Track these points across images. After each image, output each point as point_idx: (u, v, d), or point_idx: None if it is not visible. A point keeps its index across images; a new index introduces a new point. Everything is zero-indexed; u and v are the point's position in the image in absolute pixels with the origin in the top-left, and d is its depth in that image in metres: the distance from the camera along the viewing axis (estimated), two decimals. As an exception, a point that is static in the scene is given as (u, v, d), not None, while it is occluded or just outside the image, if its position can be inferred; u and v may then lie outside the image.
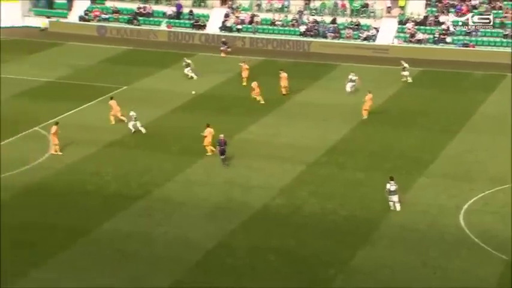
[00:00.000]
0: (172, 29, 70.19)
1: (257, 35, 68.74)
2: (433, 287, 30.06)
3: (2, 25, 70.17)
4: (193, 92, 53.07)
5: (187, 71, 56.56)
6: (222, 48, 64.69)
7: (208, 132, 42.35)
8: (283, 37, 67.97)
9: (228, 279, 30.55)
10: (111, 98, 48.29)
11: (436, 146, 43.66)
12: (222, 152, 41.13)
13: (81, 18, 72.64)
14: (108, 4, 73.60)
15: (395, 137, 45.44)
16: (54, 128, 42.61)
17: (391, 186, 35.94)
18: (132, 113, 45.71)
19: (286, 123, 47.94)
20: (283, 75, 53.18)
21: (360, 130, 46.67)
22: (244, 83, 54.24)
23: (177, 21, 71.37)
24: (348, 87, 53.32)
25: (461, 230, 34.13)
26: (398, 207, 35.91)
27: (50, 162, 41.57)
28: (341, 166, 41.25)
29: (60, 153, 42.30)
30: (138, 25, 71.24)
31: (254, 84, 51.34)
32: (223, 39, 65.92)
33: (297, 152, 43.07)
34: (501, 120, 47.55)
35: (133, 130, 45.40)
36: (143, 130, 45.46)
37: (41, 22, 72.30)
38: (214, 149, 41.99)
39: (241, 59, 58.30)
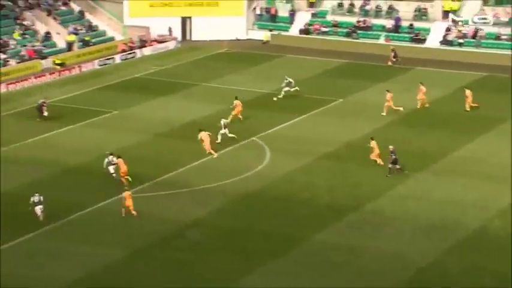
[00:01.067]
0: (391, 43, 69.61)
1: (480, 50, 66.45)
2: None
3: (226, 37, 73.20)
4: (275, 99, 53.19)
5: (285, 90, 54.64)
6: (390, 57, 63.69)
7: (373, 145, 42.06)
8: (508, 52, 65.13)
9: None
10: (236, 98, 49.35)
11: None
12: (395, 162, 40.69)
13: (302, 31, 74.00)
14: (328, 18, 74.45)
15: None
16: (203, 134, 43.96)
17: None
18: (223, 121, 46.12)
19: (504, 141, 45.84)
20: (422, 88, 52.00)
21: None
22: (468, 109, 52.09)
23: (395, 34, 70.74)
24: None
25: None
26: None
27: (267, 171, 42.61)
28: None
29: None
30: (357, 38, 71.39)
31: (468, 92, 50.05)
32: (392, 47, 64.64)
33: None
34: None
35: (219, 140, 45.53)
36: (234, 136, 45.78)
37: (263, 35, 74.62)
38: (381, 161, 41.63)
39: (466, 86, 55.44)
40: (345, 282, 31.03)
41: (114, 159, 40.61)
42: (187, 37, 75.19)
